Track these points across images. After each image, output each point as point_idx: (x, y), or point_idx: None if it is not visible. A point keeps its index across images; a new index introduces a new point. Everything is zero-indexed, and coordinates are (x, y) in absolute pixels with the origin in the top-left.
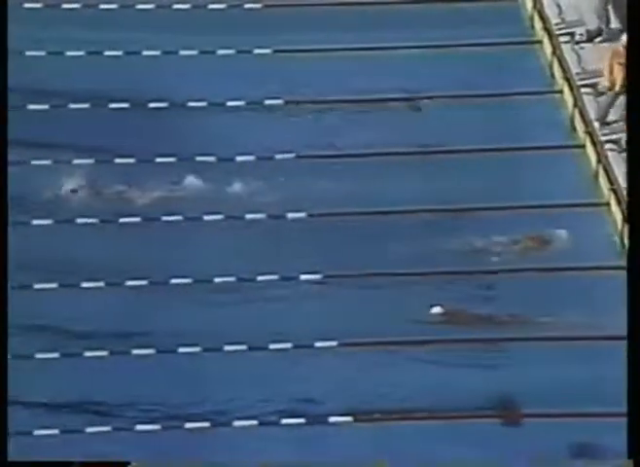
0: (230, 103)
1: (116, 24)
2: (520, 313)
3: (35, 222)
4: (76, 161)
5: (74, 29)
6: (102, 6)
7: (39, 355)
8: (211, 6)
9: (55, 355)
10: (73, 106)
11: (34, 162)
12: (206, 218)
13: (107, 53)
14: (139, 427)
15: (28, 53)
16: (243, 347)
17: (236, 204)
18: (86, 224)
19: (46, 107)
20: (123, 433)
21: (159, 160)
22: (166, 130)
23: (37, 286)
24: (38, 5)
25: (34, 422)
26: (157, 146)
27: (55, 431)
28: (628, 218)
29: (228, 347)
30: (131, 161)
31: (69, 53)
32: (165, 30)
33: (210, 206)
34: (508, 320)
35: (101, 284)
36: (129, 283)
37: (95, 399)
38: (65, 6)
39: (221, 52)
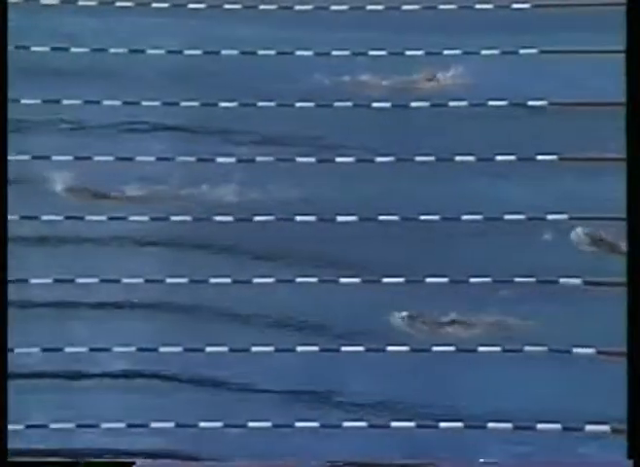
0: (491, 103)
1: (379, 25)
2: None
3: (299, 218)
4: (339, 160)
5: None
6: (369, 7)
7: (299, 349)
8: (477, 6)
9: (315, 349)
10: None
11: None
12: (464, 218)
13: (371, 53)
14: (393, 424)
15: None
16: (497, 349)
17: (497, 204)
18: (345, 222)
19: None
20: (377, 430)
21: (418, 158)
22: (425, 130)
23: (298, 280)
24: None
25: (289, 414)
26: (417, 146)
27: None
28: (628, 232)
29: (481, 349)
30: (391, 159)
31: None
32: (432, 30)
33: (470, 206)
34: None
35: (357, 280)
36: (385, 280)
37: (349, 395)
38: (334, 7)
39: (485, 52)
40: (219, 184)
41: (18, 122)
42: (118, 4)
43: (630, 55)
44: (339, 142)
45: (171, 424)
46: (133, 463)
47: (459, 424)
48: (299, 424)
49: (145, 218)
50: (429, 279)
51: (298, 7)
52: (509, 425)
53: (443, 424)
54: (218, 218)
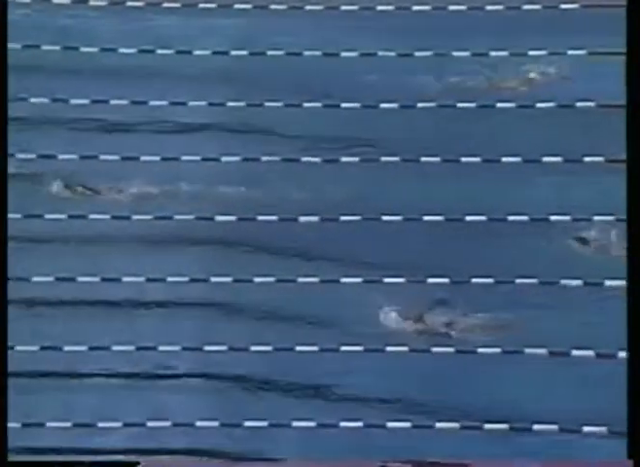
0: (539, 105)
1: (425, 27)
2: None
3: (343, 218)
4: (384, 159)
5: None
6: (415, 8)
7: (344, 348)
8: (525, 7)
9: (359, 349)
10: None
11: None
12: (510, 218)
13: (417, 53)
14: (438, 425)
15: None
16: (543, 351)
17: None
18: (390, 222)
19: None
20: (421, 430)
21: (464, 159)
22: (471, 131)
23: (343, 280)
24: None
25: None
26: (463, 147)
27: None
28: (628, 232)
29: (528, 350)
30: (437, 159)
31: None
32: (478, 31)
33: (515, 207)
34: None
35: (402, 280)
36: (430, 281)
37: (398, 395)
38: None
39: (532, 53)
40: (264, 183)
41: (70, 121)
42: (165, 5)
43: (630, 57)
44: (384, 142)
45: (215, 423)
46: (138, 463)
47: (504, 426)
48: (343, 424)
49: (190, 217)
50: (474, 280)
51: (344, 7)
52: (554, 427)
53: (487, 426)
54: (262, 217)
